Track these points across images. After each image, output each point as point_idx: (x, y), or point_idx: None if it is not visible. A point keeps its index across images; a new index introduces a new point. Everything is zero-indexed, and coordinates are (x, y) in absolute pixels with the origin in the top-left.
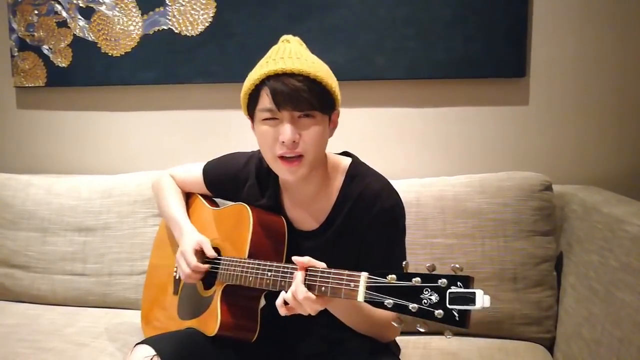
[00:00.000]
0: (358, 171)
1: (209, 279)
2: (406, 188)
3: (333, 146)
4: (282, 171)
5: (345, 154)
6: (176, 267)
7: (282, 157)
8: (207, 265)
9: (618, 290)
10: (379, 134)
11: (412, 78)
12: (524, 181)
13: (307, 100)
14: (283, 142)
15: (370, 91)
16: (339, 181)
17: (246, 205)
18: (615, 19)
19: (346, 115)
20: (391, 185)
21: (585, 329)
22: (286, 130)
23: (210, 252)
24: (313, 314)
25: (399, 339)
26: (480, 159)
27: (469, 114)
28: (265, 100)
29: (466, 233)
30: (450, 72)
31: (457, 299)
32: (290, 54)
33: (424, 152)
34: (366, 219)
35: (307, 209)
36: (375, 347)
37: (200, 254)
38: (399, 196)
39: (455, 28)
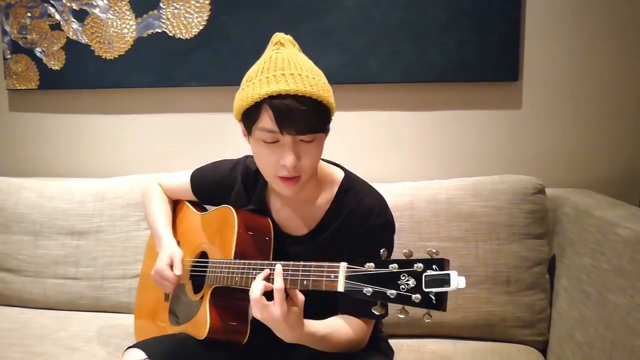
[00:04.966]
0: (352, 185)
1: (197, 283)
2: (400, 191)
3: (327, 149)
4: (280, 188)
5: (334, 164)
6: None
7: (280, 177)
8: (177, 275)
9: (610, 293)
10: (373, 137)
11: (406, 81)
12: (517, 184)
13: (310, 124)
14: (284, 165)
15: (364, 94)
16: (330, 192)
17: (230, 207)
18: (608, 24)
19: (340, 119)
20: (384, 201)
21: (577, 331)
22: (288, 157)
23: (177, 271)
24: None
25: (393, 342)
26: (474, 162)
27: (462, 118)
28: (267, 121)
29: (460, 236)
30: (444, 75)
31: (432, 281)
32: (290, 68)
33: (417, 156)
34: (356, 234)
35: (295, 213)
36: (367, 350)
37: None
38: (390, 213)
39: (449, 32)
